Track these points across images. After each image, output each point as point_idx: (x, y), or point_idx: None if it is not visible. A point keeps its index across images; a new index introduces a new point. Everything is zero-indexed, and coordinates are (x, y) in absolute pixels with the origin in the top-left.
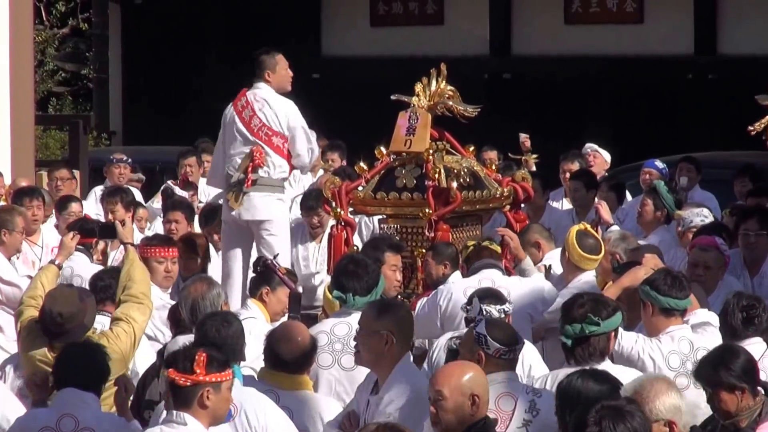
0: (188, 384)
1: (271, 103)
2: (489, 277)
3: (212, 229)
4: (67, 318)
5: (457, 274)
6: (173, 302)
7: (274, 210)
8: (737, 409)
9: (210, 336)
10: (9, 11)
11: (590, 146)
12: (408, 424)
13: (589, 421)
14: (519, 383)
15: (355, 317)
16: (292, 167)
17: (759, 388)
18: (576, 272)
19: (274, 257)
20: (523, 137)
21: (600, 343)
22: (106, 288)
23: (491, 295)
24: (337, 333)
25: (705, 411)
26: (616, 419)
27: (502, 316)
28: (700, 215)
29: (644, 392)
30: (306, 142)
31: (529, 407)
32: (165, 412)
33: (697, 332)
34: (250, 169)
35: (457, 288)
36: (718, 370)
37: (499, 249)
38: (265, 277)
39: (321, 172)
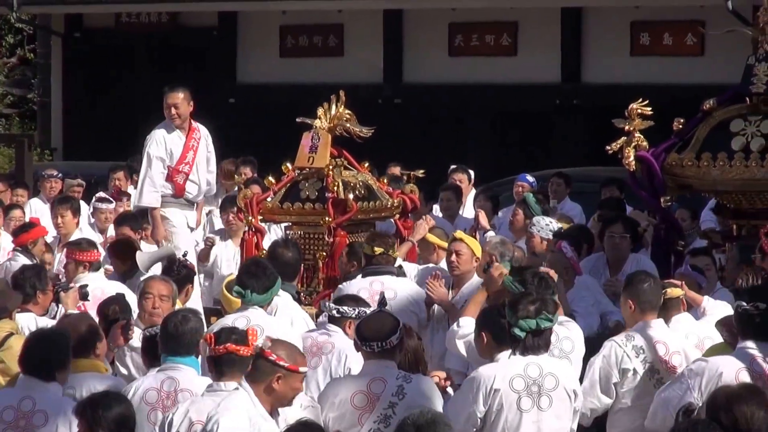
0: (250, 354)
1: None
2: (380, 280)
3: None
4: None
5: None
6: None
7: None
8: None
9: (170, 331)
10: None
11: (454, 168)
12: None
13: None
14: (393, 371)
15: (252, 312)
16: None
17: None
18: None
19: (184, 256)
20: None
21: (547, 335)
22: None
23: (351, 299)
24: (238, 325)
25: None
26: None
27: (353, 316)
28: (550, 225)
29: None
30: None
31: (397, 391)
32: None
33: (562, 324)
34: None
35: (352, 289)
36: None
37: (397, 254)
38: (188, 276)
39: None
